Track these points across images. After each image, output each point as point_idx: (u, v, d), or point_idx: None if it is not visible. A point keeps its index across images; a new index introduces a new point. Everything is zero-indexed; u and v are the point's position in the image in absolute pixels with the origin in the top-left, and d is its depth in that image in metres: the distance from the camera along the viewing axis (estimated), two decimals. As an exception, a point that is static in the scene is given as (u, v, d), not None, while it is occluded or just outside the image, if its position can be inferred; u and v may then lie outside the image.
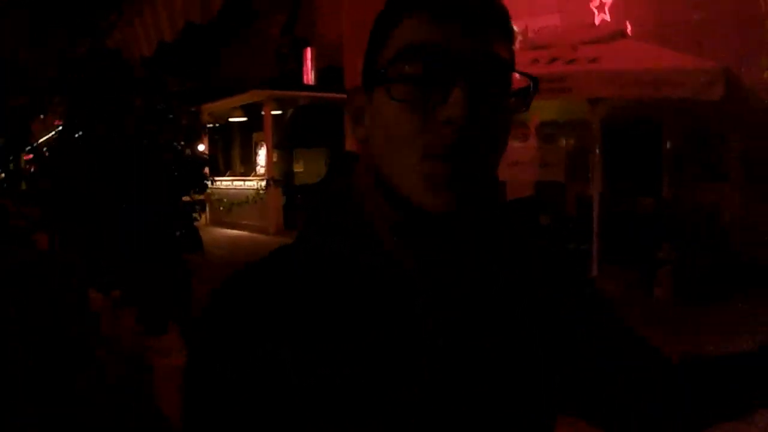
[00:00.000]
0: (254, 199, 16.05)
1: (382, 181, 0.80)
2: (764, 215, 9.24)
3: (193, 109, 6.16)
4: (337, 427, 0.78)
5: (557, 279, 0.93)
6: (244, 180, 17.32)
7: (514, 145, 10.08)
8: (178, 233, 5.68)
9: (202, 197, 6.32)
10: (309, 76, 16.34)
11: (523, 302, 0.88)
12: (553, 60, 7.88)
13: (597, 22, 10.79)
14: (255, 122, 17.52)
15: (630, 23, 10.00)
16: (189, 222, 5.93)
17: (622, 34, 8.90)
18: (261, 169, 17.33)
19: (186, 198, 5.98)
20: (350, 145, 10.21)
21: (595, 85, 7.21)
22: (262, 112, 16.31)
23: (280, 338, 0.78)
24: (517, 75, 0.79)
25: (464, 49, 0.75)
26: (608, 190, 9.79)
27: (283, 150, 17.75)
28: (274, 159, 16.71)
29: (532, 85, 0.80)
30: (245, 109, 17.26)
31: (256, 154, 18.21)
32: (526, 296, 0.88)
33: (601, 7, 10.97)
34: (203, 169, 6.37)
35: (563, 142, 10.95)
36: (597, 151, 8.32)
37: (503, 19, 0.80)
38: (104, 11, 8.24)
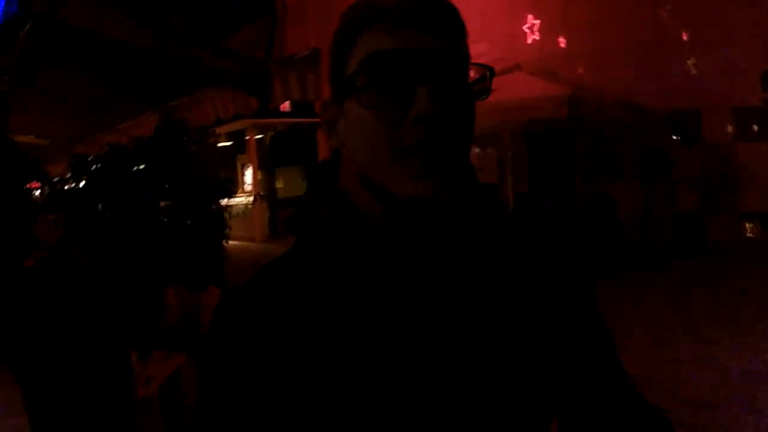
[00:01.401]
0: (243, 212, 18.44)
1: (367, 180, 0.85)
2: (652, 206, 11.88)
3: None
4: (338, 427, 0.80)
5: (557, 277, 0.93)
6: (234, 196, 19.80)
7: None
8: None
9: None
10: (285, 105, 18.87)
11: (522, 302, 0.89)
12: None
13: (529, 41, 13.29)
14: (239, 146, 20.02)
15: (562, 40, 12.61)
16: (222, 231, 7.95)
17: (518, 67, 11.51)
18: (248, 187, 19.77)
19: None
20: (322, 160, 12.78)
21: (483, 112, 9.82)
22: (246, 137, 18.91)
23: (281, 339, 0.82)
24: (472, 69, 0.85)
25: (422, 51, 0.79)
26: (531, 188, 12.34)
27: (266, 169, 20.24)
28: (259, 177, 19.24)
29: (488, 73, 0.85)
30: (230, 135, 19.72)
31: (242, 174, 20.62)
32: (525, 295, 0.89)
33: (531, 29, 13.49)
34: (228, 186, 8.63)
35: (493, 150, 13.35)
36: (509, 155, 10.92)
37: (454, 18, 0.83)
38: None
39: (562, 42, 13.41)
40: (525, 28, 13.67)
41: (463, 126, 0.83)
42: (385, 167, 0.81)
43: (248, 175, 19.99)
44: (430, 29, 0.80)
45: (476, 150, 13.03)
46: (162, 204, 7.08)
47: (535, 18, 13.62)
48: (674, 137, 13.01)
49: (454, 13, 0.83)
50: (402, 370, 0.81)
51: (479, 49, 14.53)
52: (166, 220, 7.02)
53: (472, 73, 0.85)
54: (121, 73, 9.66)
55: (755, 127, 12.10)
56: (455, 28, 0.83)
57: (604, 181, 12.43)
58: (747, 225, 11.64)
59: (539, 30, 13.63)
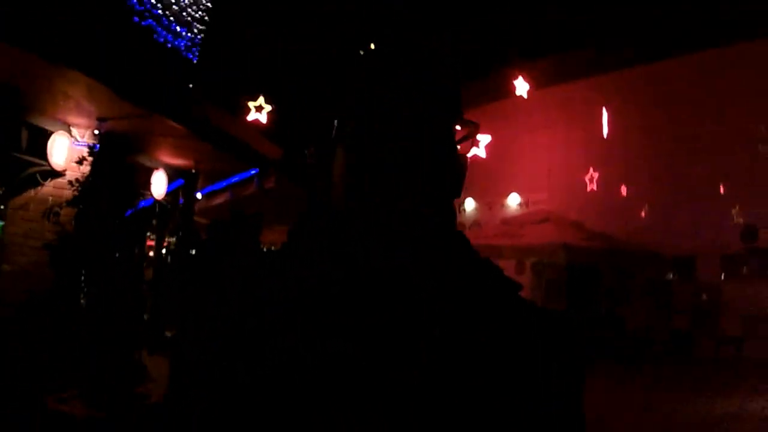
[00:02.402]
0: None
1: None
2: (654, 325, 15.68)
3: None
4: (341, 406, 0.84)
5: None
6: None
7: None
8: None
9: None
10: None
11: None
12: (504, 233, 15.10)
13: (588, 189, 17.58)
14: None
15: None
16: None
17: (547, 219, 15.87)
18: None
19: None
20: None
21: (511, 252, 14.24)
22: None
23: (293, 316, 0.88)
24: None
25: None
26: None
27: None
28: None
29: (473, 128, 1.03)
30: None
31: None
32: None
33: (591, 180, 17.69)
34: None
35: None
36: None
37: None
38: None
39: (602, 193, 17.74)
40: (586, 178, 17.90)
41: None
42: None
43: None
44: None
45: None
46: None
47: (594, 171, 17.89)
48: (673, 275, 17.05)
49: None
50: (402, 352, 0.87)
51: (541, 195, 19.07)
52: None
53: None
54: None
55: (743, 269, 15.95)
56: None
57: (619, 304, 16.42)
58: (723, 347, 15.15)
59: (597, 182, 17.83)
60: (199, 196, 9.83)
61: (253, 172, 9.59)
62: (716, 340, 14.92)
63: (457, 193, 1.00)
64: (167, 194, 8.21)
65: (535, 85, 12.12)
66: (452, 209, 1.00)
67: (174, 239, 9.35)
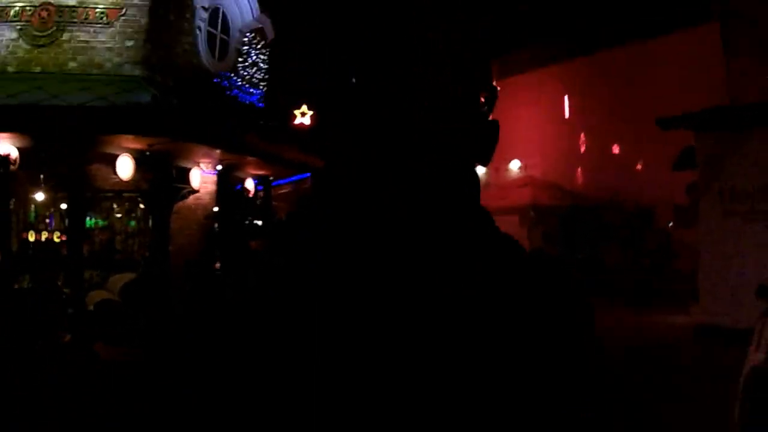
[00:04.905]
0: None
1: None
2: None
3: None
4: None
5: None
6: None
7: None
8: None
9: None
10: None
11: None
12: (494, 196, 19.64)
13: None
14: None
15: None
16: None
17: (527, 183, 20.26)
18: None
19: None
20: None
21: (496, 212, 19.28)
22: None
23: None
24: None
25: None
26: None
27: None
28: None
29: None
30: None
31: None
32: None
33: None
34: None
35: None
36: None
37: None
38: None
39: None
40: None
41: None
42: None
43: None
44: None
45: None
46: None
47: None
48: (642, 223, 21.34)
49: None
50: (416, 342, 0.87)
51: (534, 162, 23.61)
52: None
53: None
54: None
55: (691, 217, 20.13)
56: None
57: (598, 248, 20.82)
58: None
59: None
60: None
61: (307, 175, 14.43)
62: (672, 277, 19.15)
63: (487, 159, 0.99)
64: (256, 191, 13.13)
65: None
66: (476, 179, 0.98)
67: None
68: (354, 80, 0.91)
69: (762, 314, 5.06)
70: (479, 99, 0.96)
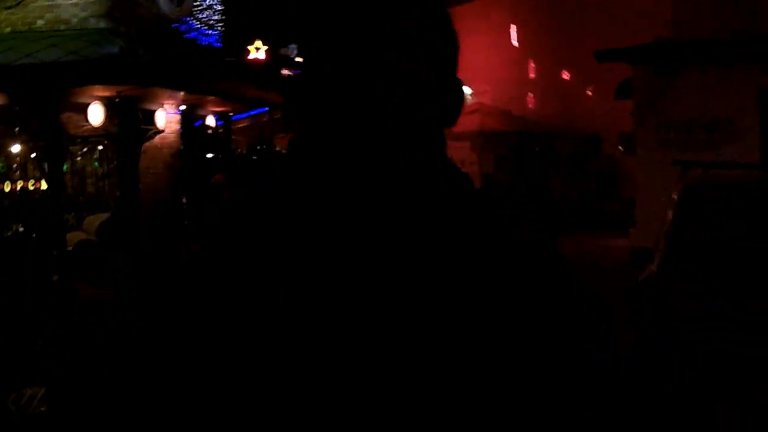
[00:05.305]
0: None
1: None
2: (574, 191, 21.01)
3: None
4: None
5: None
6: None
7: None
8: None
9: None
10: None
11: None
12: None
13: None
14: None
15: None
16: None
17: (477, 110, 20.93)
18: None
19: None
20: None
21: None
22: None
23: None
24: None
25: None
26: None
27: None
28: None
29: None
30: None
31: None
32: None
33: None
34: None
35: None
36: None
37: None
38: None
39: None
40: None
41: None
42: None
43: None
44: None
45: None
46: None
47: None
48: (590, 149, 22.29)
49: None
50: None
51: (484, 88, 24.26)
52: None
53: None
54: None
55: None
56: None
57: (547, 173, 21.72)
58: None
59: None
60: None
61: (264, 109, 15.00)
62: (619, 201, 20.24)
63: (452, 121, 0.97)
64: (216, 126, 13.65)
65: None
66: (443, 139, 0.96)
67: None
68: (326, 69, 0.89)
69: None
70: (452, 85, 0.98)
